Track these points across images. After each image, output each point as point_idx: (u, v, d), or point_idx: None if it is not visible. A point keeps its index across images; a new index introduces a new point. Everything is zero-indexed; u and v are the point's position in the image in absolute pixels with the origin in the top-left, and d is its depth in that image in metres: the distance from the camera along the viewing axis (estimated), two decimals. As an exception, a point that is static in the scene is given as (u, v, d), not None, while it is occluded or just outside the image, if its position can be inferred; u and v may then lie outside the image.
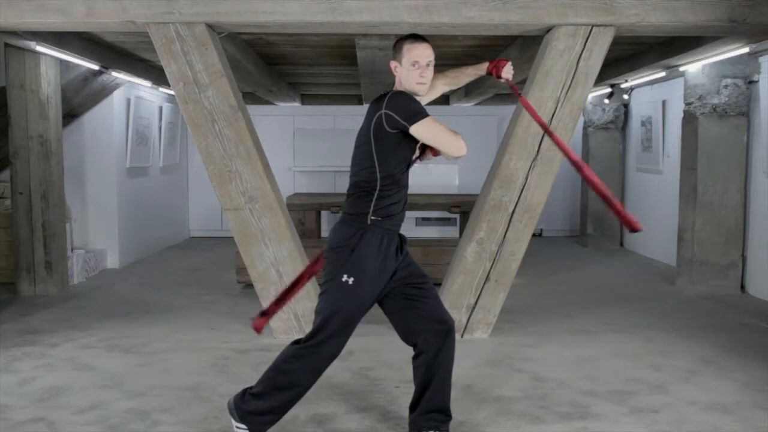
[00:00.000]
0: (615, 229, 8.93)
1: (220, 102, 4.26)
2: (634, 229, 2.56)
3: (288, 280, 4.56)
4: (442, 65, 7.42)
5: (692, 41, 5.28)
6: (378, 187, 2.79)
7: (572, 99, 4.29)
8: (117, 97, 7.21)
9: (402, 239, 2.93)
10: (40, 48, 5.24)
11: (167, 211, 9.09)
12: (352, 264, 2.77)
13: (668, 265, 7.36)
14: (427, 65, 2.83)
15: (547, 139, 4.32)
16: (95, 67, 5.98)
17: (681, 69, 6.30)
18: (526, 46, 5.43)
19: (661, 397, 3.60)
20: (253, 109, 7.37)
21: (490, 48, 6.29)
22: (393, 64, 2.87)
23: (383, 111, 2.74)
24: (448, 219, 9.41)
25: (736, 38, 4.93)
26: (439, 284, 5.02)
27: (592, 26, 4.14)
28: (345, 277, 2.76)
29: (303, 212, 7.52)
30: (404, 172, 2.87)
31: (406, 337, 2.95)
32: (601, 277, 7.02)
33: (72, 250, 6.64)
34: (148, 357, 4.26)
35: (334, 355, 2.89)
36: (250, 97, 9.14)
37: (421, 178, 9.76)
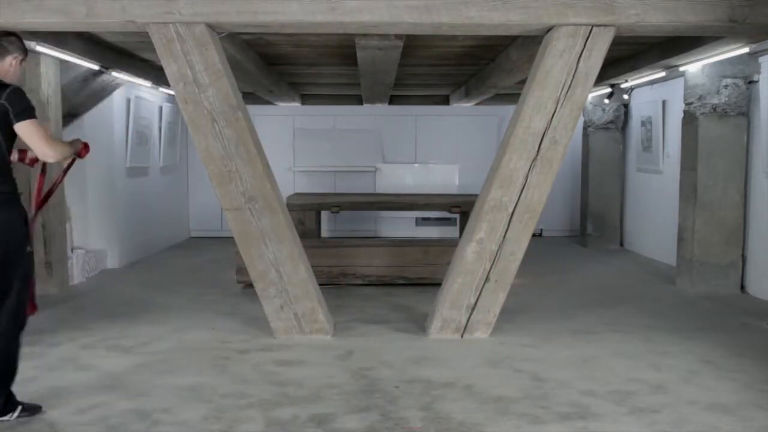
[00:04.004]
0: (615, 229, 8.94)
1: (220, 102, 4.26)
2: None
3: (288, 280, 4.57)
4: (442, 65, 7.53)
5: (692, 41, 5.28)
6: None
7: (572, 99, 4.29)
8: (117, 97, 7.20)
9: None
10: (40, 48, 5.24)
11: (167, 211, 9.08)
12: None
13: (668, 265, 7.35)
14: None
15: (547, 139, 4.33)
16: (95, 67, 5.98)
17: (681, 69, 6.30)
18: (526, 46, 5.43)
19: (661, 397, 3.60)
20: (253, 109, 7.37)
21: (490, 48, 6.29)
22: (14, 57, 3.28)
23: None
24: (448, 219, 9.41)
25: (736, 38, 4.93)
26: (439, 284, 5.02)
27: (592, 26, 4.14)
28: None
29: (303, 212, 7.52)
30: None
31: None
32: (601, 277, 7.02)
33: (72, 250, 6.64)
34: (148, 357, 4.26)
35: None
36: (250, 97, 9.13)
37: (422, 178, 9.78)
